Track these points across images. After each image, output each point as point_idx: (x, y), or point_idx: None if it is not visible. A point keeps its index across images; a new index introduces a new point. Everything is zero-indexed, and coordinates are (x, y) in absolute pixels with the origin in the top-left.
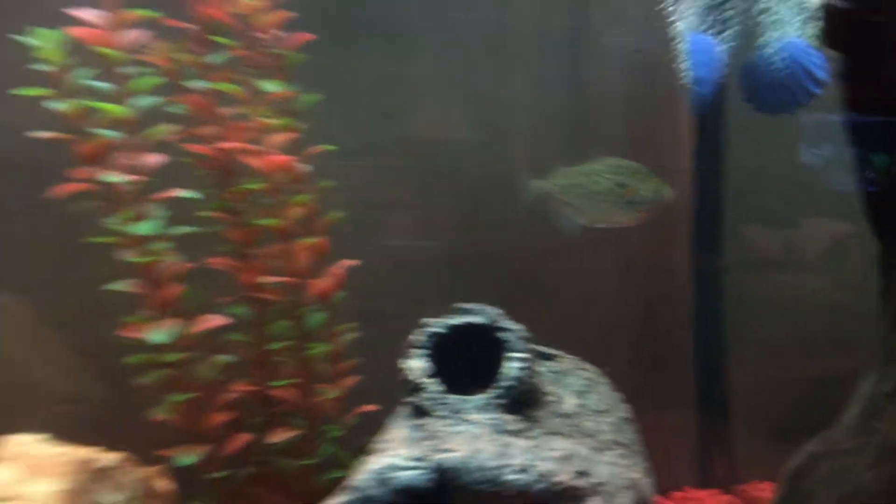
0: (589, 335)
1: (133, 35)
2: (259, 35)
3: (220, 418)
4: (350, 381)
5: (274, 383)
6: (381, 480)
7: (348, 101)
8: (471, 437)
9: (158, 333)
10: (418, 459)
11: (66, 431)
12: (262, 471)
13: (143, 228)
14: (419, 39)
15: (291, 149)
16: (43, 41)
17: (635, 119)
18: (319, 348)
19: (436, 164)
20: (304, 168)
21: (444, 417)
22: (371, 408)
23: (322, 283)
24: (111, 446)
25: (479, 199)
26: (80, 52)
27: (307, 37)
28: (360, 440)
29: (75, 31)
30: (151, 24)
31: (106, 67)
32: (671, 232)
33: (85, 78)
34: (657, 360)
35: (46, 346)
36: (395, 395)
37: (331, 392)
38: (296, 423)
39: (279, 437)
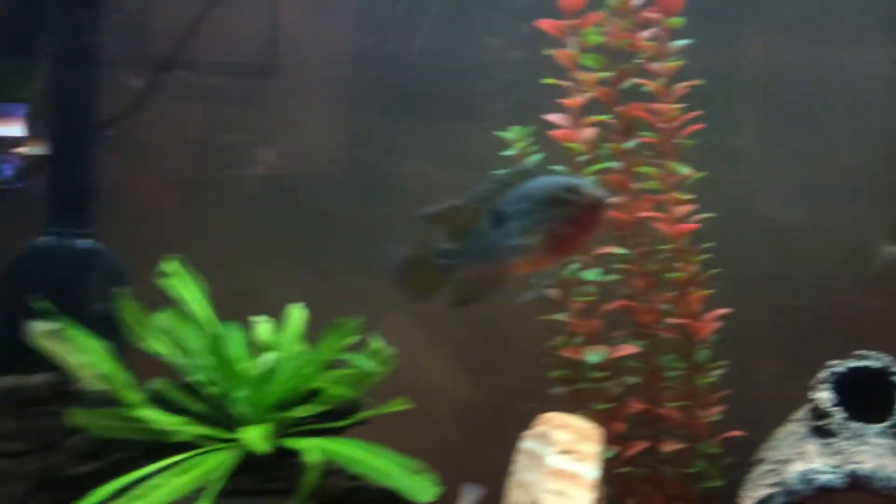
0: None
1: (589, 132)
2: (665, 126)
3: (622, 427)
4: (720, 408)
5: (668, 404)
6: (805, 480)
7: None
8: (874, 454)
9: (594, 355)
10: (835, 467)
11: None
12: (650, 474)
13: (589, 275)
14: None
15: (686, 218)
16: (514, 135)
17: None
18: (703, 380)
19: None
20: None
21: (848, 439)
22: (737, 433)
23: (705, 326)
24: None
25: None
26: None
27: (698, 126)
28: (726, 459)
29: (553, 133)
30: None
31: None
32: None
33: (535, 161)
34: None
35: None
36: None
37: (708, 416)
38: (678, 438)
39: (668, 447)
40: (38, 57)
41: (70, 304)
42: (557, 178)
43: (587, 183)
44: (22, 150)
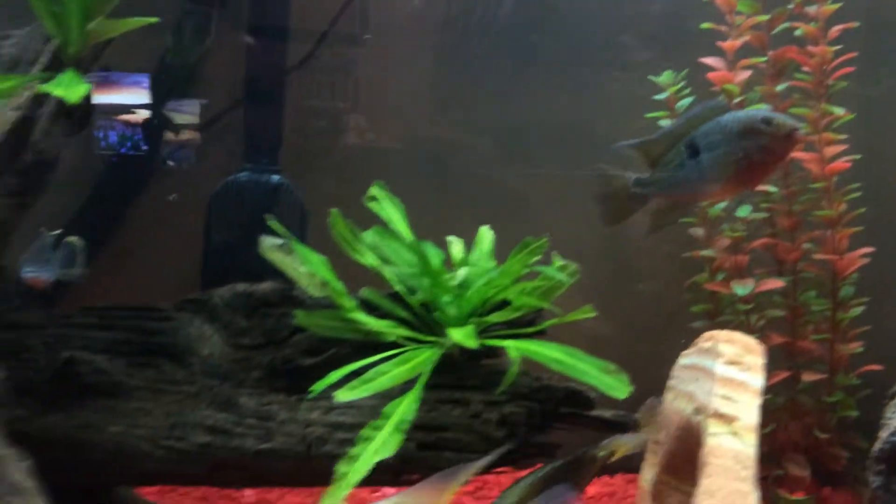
0: None
1: (743, 75)
2: (813, 69)
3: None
4: (859, 343)
5: (809, 338)
6: None
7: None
8: None
9: (742, 288)
10: None
11: None
12: (789, 403)
13: (742, 212)
14: None
15: (836, 158)
16: (666, 79)
17: None
18: (844, 315)
19: None
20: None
21: None
22: (875, 367)
23: (850, 264)
24: None
25: None
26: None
27: (849, 69)
28: (863, 392)
29: (710, 75)
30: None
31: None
32: None
33: (686, 104)
34: None
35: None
36: None
37: (848, 350)
38: (818, 370)
39: (807, 378)
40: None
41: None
42: (751, 111)
43: (779, 115)
44: (131, 117)
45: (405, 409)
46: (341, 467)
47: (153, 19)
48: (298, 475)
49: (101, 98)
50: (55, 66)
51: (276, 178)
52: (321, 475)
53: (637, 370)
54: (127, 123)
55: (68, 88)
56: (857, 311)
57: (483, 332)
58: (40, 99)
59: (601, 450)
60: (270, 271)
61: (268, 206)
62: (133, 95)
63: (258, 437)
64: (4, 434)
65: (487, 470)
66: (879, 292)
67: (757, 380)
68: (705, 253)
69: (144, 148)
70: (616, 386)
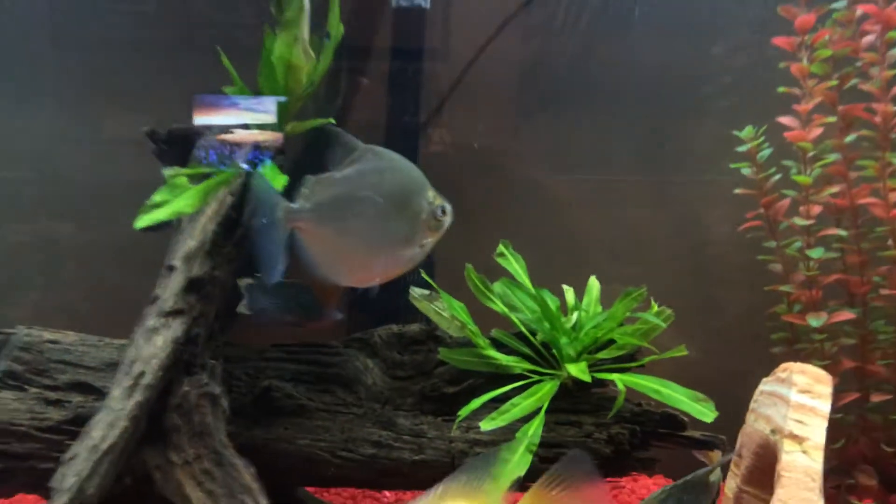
0: None
1: (816, 132)
2: (882, 123)
3: (835, 381)
4: None
5: (877, 362)
6: None
7: None
8: None
9: (816, 320)
10: None
11: None
12: (858, 420)
13: (815, 253)
14: None
15: None
16: (747, 133)
17: None
18: None
19: None
20: None
21: None
22: None
23: None
24: None
25: None
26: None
27: None
28: None
29: (787, 134)
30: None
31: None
32: None
33: (765, 156)
34: None
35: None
36: None
37: None
38: (885, 391)
39: (876, 398)
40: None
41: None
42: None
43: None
44: (228, 136)
45: (534, 433)
46: None
47: (330, 120)
48: None
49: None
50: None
51: None
52: None
53: (720, 392)
54: (225, 143)
55: (273, 178)
56: None
57: (593, 366)
58: (247, 183)
59: (711, 474)
60: (408, 311)
61: None
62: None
63: (413, 451)
64: (235, 447)
65: None
66: None
67: (825, 406)
68: (783, 288)
69: None
70: (704, 412)
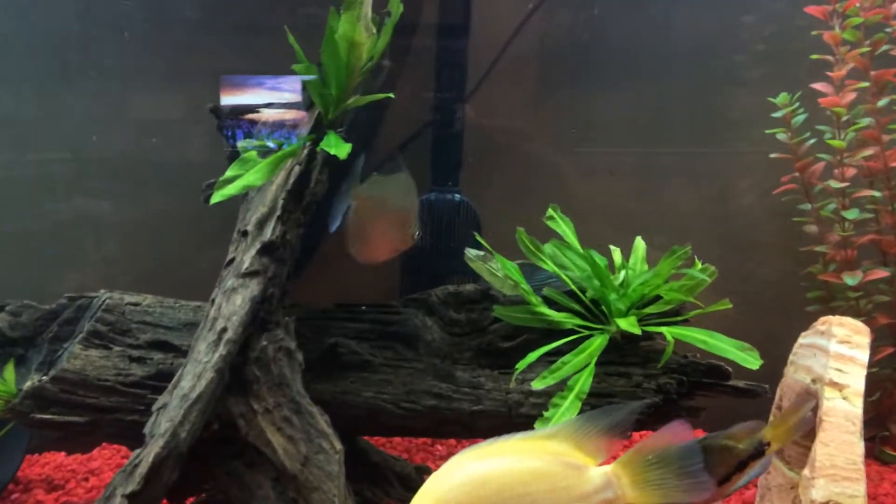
0: None
1: (849, 97)
2: None
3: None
4: None
5: None
6: None
7: None
8: None
9: (851, 278)
10: None
11: None
12: (892, 374)
13: (850, 214)
14: None
15: None
16: (782, 100)
17: None
18: None
19: None
20: None
21: None
22: None
23: None
24: None
25: None
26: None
27: None
28: None
29: (821, 100)
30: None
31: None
32: None
33: (800, 121)
34: None
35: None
36: None
37: None
38: None
39: None
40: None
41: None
42: None
43: None
44: (253, 116)
45: (583, 382)
46: (538, 425)
47: (390, 95)
48: (501, 430)
49: (239, 99)
50: (316, 129)
51: (457, 196)
52: (518, 429)
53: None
54: (252, 122)
55: (338, 148)
56: None
57: (640, 321)
58: (312, 154)
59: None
60: (458, 273)
61: (452, 219)
62: (268, 96)
63: (471, 401)
64: (310, 396)
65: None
66: None
67: (863, 355)
68: (819, 248)
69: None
70: (749, 359)
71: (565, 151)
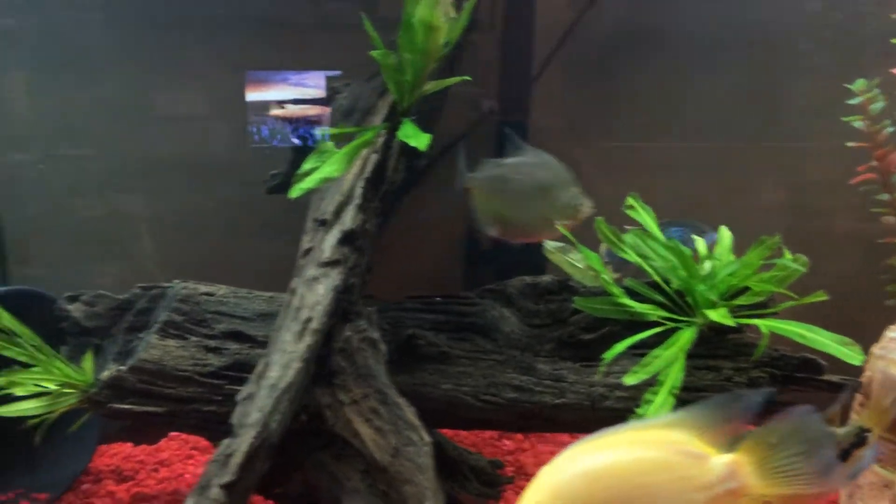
0: None
1: None
2: None
3: None
4: None
5: None
6: None
7: None
8: None
9: None
10: None
11: None
12: None
13: None
14: None
15: None
16: (860, 86)
17: None
18: None
19: None
20: None
21: None
22: None
23: None
24: None
25: None
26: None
27: None
28: None
29: None
30: None
31: None
32: None
33: (879, 108)
34: None
35: None
36: None
37: None
38: None
39: None
40: None
41: None
42: None
43: None
44: (279, 112)
45: (674, 376)
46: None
47: (466, 77)
48: (585, 423)
49: (265, 95)
50: (391, 117)
51: None
52: (603, 424)
53: None
54: (278, 118)
55: (417, 138)
56: None
57: (731, 311)
58: (389, 143)
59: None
60: (521, 263)
61: None
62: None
63: (554, 394)
64: (397, 388)
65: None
66: None
67: None
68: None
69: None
70: (851, 354)
71: (626, 145)
